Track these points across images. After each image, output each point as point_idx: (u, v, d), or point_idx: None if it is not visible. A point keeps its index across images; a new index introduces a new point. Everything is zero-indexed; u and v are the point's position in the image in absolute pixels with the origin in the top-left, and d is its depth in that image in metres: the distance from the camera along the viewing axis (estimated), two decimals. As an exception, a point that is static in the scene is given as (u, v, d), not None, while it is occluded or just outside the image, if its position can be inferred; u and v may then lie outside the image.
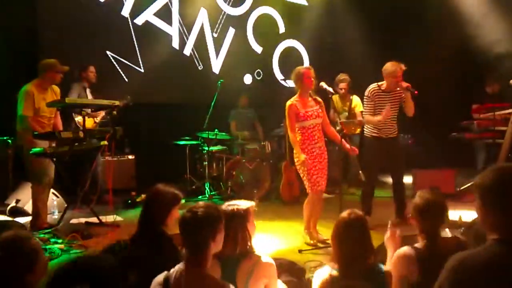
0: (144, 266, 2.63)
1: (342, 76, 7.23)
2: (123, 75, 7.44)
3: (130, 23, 7.46)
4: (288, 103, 4.77)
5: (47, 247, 4.44)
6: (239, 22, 8.51)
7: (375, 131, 5.39)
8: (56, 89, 5.39)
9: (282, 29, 8.98)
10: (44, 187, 5.26)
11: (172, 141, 7.18)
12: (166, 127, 7.59)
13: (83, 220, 5.70)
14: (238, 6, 8.49)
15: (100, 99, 5.81)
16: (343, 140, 4.82)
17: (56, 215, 5.79)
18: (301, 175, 4.83)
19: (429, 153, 7.71)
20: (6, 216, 5.53)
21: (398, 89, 5.28)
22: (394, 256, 2.51)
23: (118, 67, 7.39)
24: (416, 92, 5.13)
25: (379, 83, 5.35)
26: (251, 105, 8.05)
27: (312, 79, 4.75)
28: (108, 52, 7.29)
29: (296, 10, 9.08)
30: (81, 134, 5.11)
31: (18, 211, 5.86)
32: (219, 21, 8.30)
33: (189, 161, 7.31)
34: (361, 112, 6.35)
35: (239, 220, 2.54)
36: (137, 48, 7.52)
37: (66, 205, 5.70)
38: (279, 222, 5.77)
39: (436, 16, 8.74)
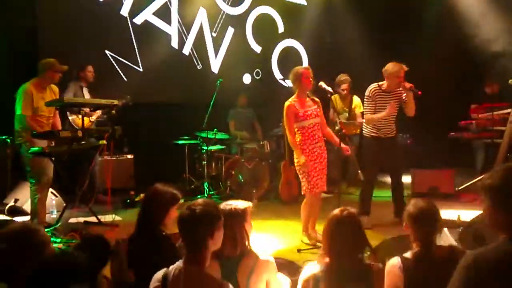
0: (143, 265, 2.63)
1: (343, 76, 7.20)
2: (122, 74, 7.43)
3: (129, 22, 7.45)
4: (287, 103, 4.75)
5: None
6: (238, 21, 8.50)
7: (374, 130, 5.39)
8: (55, 88, 5.39)
9: (281, 29, 8.98)
10: (43, 187, 5.25)
11: (171, 140, 7.17)
12: (165, 126, 7.58)
13: (81, 219, 5.70)
14: (237, 6, 8.49)
15: (98, 99, 5.81)
16: (336, 140, 4.83)
17: (55, 215, 5.78)
18: (300, 176, 4.83)
19: (428, 153, 7.71)
20: (4, 216, 5.53)
21: (398, 89, 5.28)
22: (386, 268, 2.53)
23: (117, 67, 7.38)
24: (419, 92, 5.13)
25: (380, 83, 5.35)
26: (250, 104, 8.05)
27: (311, 79, 4.74)
28: (107, 52, 7.28)
29: (295, 9, 9.08)
30: (79, 133, 5.10)
31: (16, 211, 5.86)
32: (218, 21, 8.30)
33: (188, 160, 7.31)
34: (362, 113, 6.35)
35: (237, 220, 2.56)
36: (136, 48, 7.51)
37: (64, 205, 5.71)
38: (278, 221, 5.78)
39: (435, 15, 8.74)
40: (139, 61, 7.54)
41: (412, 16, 8.84)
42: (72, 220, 5.71)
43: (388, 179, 5.82)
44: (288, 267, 3.50)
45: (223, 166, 7.21)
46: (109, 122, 5.90)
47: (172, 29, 7.86)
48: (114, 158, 6.84)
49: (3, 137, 6.22)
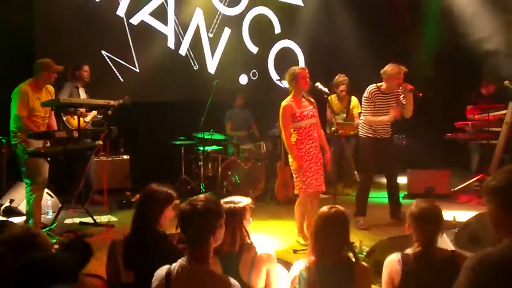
0: (139, 265, 2.63)
1: (340, 77, 7.17)
2: (118, 75, 7.41)
3: (125, 23, 7.43)
4: (283, 103, 4.73)
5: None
6: (235, 22, 8.50)
7: (370, 131, 5.39)
8: (51, 88, 5.38)
9: (277, 30, 8.98)
10: (39, 187, 5.23)
11: (168, 141, 7.17)
12: (161, 127, 7.57)
13: (77, 220, 5.69)
14: (233, 6, 8.49)
15: (95, 99, 5.80)
16: (326, 146, 4.87)
17: (50, 215, 5.77)
18: (294, 176, 4.82)
19: (424, 153, 7.73)
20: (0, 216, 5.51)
21: (397, 90, 5.27)
22: (385, 262, 2.55)
23: (113, 67, 7.36)
24: (420, 94, 5.12)
25: (378, 84, 5.34)
26: (246, 105, 8.05)
27: (307, 79, 4.73)
28: (103, 52, 7.26)
29: (292, 10, 9.08)
30: (75, 134, 5.09)
31: (12, 211, 5.84)
32: (214, 21, 8.29)
33: (184, 161, 7.31)
34: (359, 113, 6.35)
35: (237, 218, 2.59)
36: (132, 48, 7.49)
37: (60, 205, 5.68)
38: (274, 222, 5.78)
39: (433, 16, 8.77)
40: (136, 62, 7.52)
41: (411, 16, 8.87)
42: (68, 220, 5.70)
43: (384, 180, 5.83)
44: (284, 267, 3.49)
45: (219, 166, 7.20)
46: (105, 122, 5.90)
47: (168, 30, 7.85)
48: (110, 159, 6.84)
49: (-1, 137, 6.20)
